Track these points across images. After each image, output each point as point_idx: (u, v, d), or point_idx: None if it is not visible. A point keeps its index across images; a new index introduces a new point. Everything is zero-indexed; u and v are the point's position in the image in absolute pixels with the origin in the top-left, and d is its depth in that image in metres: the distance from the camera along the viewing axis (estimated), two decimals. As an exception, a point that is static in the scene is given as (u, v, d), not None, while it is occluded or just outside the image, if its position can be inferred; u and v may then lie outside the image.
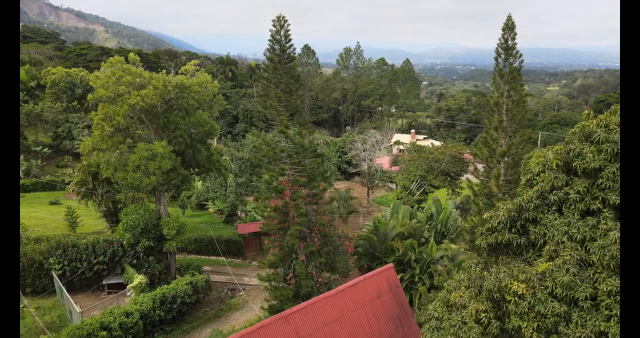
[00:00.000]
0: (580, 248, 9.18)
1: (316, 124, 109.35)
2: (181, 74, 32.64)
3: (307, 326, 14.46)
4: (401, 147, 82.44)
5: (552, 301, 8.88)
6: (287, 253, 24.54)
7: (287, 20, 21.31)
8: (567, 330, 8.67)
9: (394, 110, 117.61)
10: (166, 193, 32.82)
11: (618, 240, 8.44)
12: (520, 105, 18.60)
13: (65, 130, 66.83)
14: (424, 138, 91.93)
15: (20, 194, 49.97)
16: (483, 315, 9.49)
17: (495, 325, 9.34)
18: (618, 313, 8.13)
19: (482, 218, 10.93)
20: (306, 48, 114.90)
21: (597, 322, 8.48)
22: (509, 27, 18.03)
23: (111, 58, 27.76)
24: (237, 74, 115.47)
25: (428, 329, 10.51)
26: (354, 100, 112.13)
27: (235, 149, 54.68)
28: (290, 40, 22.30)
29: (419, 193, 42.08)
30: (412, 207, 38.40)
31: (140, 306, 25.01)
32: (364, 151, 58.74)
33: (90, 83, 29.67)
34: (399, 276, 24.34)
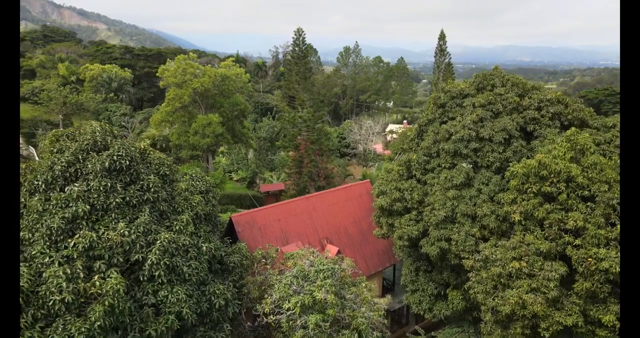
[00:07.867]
0: (436, 135, 20.36)
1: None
2: (221, 67, 44.06)
3: (319, 203, 25.76)
4: (394, 135, 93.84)
5: (425, 156, 20.12)
6: (302, 190, 35.95)
7: (304, 31, 32.66)
8: (429, 165, 19.97)
9: (390, 105, 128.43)
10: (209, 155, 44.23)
11: (447, 129, 19.58)
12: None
13: (105, 117, 78.09)
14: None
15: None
16: (400, 169, 20.94)
17: (405, 174, 20.80)
18: (454, 161, 19.39)
19: (406, 135, 22.37)
20: (309, 47, 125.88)
21: (443, 165, 19.71)
22: (441, 37, 29.15)
23: (178, 56, 39.24)
24: (245, 71, 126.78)
25: (377, 181, 21.86)
26: (353, 96, 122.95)
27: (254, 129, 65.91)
28: (305, 43, 33.76)
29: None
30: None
31: (200, 227, 36.43)
32: (359, 135, 70.15)
33: (157, 74, 41.02)
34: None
